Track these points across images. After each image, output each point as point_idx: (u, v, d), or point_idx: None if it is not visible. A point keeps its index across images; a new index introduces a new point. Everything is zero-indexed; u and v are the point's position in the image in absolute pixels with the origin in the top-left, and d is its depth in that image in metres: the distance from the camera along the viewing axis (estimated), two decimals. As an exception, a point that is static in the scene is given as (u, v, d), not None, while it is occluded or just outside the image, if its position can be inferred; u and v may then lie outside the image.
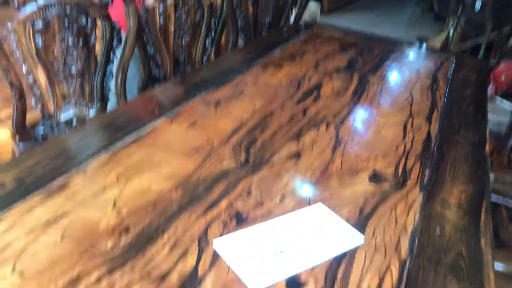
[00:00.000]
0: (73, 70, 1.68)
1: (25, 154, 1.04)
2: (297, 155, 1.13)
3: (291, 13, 2.70)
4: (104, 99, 1.79)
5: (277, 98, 1.45)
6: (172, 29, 2.06)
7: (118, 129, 1.15)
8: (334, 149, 1.17)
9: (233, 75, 1.61)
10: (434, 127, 1.37)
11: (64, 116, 1.73)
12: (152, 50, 2.06)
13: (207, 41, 2.19)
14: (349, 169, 1.09)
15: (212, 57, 2.25)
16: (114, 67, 1.75)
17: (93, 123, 1.18)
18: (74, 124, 1.74)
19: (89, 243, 0.77)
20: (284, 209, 0.91)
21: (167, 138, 1.14)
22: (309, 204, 0.94)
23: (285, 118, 1.32)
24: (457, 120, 1.45)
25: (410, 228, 0.90)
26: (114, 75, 1.77)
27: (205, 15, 2.12)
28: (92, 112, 1.77)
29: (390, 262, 0.80)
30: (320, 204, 0.93)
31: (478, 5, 2.98)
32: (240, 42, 2.69)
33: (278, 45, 2.00)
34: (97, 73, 1.73)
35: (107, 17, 1.65)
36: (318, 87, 1.58)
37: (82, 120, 1.75)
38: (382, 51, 2.06)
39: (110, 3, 1.62)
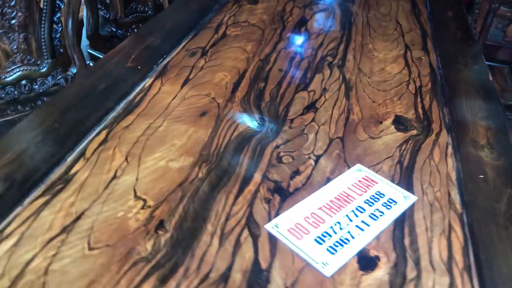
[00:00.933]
0: (14, 22, 1.41)
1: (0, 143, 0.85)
2: (312, 106, 1.02)
3: None
4: (55, 54, 1.54)
5: (265, 40, 1.30)
6: (118, -38, 1.78)
7: (103, 97, 0.97)
8: (347, 94, 1.08)
9: (206, 16, 1.42)
10: (433, 58, 1.31)
11: (9, 77, 1.48)
12: (98, -11, 1.79)
13: (158, -25, 1.93)
14: (370, 117, 1.01)
15: (165, -8, 2.00)
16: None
17: (70, 92, 0.98)
18: (24, 86, 1.50)
19: (124, 248, 0.64)
20: (323, 175, 0.82)
21: (164, 102, 0.98)
22: (346, 163, 0.86)
23: (282, 63, 1.19)
24: (451, 47, 1.39)
25: (454, 177, 0.85)
26: (63, 24, 1.52)
27: None
28: (42, 70, 1.53)
29: (450, 219, 0.75)
30: (359, 165, 0.85)
31: None
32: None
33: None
34: (42, 23, 1.47)
35: (46, -46, 1.37)
36: (303, 22, 1.44)
37: (32, 80, 1.51)
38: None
39: None
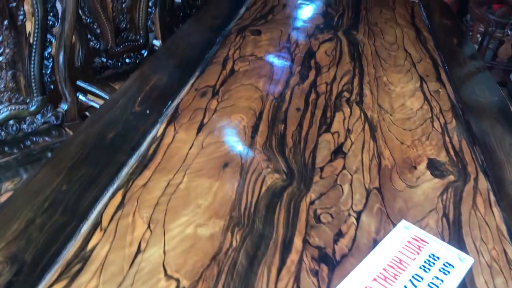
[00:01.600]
0: (1, 59, 1.30)
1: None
2: (340, 151, 0.95)
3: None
4: (45, 91, 1.43)
5: (276, 75, 1.23)
6: (109, -9, 1.68)
7: (114, 148, 0.88)
8: (373, 135, 1.01)
9: (211, 49, 1.34)
10: (450, 90, 1.26)
11: (-4, 118, 1.36)
12: (88, 19, 1.69)
13: (150, 2, 1.84)
14: (403, 161, 0.94)
15: (157, 19, 1.91)
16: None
17: (76, 143, 0.87)
18: (12, 127, 1.38)
19: None
20: (368, 236, 0.75)
21: (181, 152, 0.89)
22: (390, 219, 0.78)
23: (299, 101, 1.11)
24: (464, 77, 1.36)
25: (504, 231, 0.79)
26: (54, 59, 1.41)
27: (146, -29, 1.76)
28: (32, 108, 1.42)
29: (512, 283, 0.69)
30: (404, 222, 0.77)
31: None
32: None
33: (242, 3, 1.73)
34: (32, 59, 1.36)
35: (37, -14, 1.26)
36: (312, 54, 1.38)
37: (20, 120, 1.40)
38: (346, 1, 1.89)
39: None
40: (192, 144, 0.91)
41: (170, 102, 1.05)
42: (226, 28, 1.49)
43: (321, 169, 0.89)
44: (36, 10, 1.29)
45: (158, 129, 0.95)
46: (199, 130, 0.96)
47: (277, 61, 1.31)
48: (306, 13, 1.71)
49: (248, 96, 1.11)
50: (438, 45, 1.54)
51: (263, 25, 1.55)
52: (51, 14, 1.32)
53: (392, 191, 0.85)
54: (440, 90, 1.25)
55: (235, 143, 0.94)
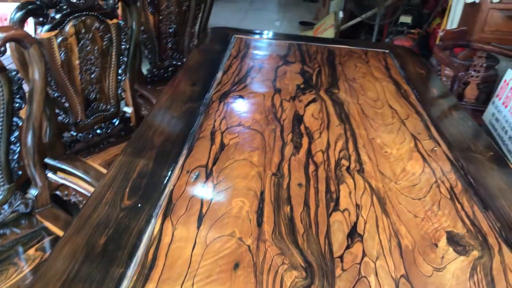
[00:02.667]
0: (-38, 150, 1.17)
1: None
2: (355, 233, 0.88)
3: (197, 19, 2.36)
4: (12, 178, 1.30)
5: (269, 146, 1.16)
6: (76, 63, 1.59)
7: (108, 258, 0.76)
8: (384, 210, 0.95)
9: (195, 122, 1.26)
10: (445, 147, 1.23)
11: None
12: (55, 93, 1.58)
13: (119, 70, 1.76)
14: (422, 238, 0.88)
15: (128, 86, 1.83)
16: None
17: (63, 254, 0.75)
18: (-24, 223, 1.24)
19: None
20: (410, 338, 0.66)
21: (184, 255, 0.79)
22: (427, 315, 0.71)
23: (298, 175, 1.05)
24: (455, 131, 1.34)
25: (547, 314, 0.73)
26: (21, 142, 1.29)
27: (114, 40, 1.69)
28: (-3, 199, 1.28)
29: None
30: (445, 314, 0.70)
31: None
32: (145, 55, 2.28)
33: (217, 67, 1.68)
34: (-3, 146, 1.24)
35: (0, 70, 1.16)
36: (300, 118, 1.33)
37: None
38: (321, 56, 1.88)
39: (3, 53, 1.15)
40: (195, 242, 0.82)
41: (162, 190, 0.95)
42: (207, 95, 1.42)
43: (341, 258, 0.81)
44: (1, 94, 1.18)
45: (154, 225, 0.85)
46: (199, 223, 0.87)
47: (267, 130, 1.24)
48: (283, 72, 1.67)
49: (244, 174, 1.03)
50: (420, 98, 1.54)
51: (244, 89, 1.49)
52: (17, 96, 1.21)
53: (420, 277, 0.78)
54: (435, 148, 1.22)
55: (242, 235, 0.85)
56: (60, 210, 1.42)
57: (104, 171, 1.60)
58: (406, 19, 3.61)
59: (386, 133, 1.28)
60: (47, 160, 1.64)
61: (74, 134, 1.68)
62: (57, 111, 1.61)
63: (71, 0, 1.50)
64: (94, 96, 1.71)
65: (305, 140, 1.21)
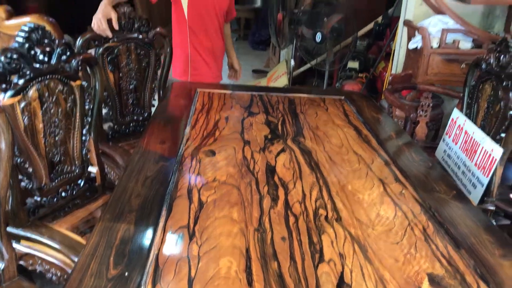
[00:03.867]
0: None
1: None
2: (343, 283, 0.90)
3: (157, 74, 2.39)
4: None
5: (247, 200, 1.18)
6: (40, 126, 1.57)
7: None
8: (367, 257, 0.98)
9: (170, 181, 1.27)
10: (411, 189, 1.30)
11: None
12: (18, 158, 1.54)
13: (84, 130, 1.74)
14: (406, 283, 0.92)
15: (92, 145, 1.80)
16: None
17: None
18: None
19: None
20: None
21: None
22: None
23: (280, 229, 1.07)
24: (418, 172, 1.42)
25: None
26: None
27: (78, 100, 1.68)
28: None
29: None
30: None
31: (319, 37, 3.15)
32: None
33: (184, 122, 1.70)
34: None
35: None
36: (272, 169, 1.36)
37: None
38: (283, 105, 1.96)
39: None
40: (189, 308, 0.81)
41: (147, 255, 0.94)
42: (178, 152, 1.44)
43: (334, 311, 0.83)
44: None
45: (144, 296, 0.83)
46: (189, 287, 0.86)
47: (242, 183, 1.26)
48: (249, 124, 1.72)
49: (227, 231, 1.04)
50: (381, 142, 1.62)
51: (214, 143, 1.52)
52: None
53: (411, 322, 0.81)
54: (403, 192, 1.29)
55: (234, 296, 0.85)
56: (28, 282, 1.35)
57: (72, 235, 1.55)
58: (353, 64, 3.83)
59: (355, 179, 1.34)
60: (9, 229, 1.56)
61: (38, 199, 1.63)
62: (20, 177, 1.56)
63: (34, 65, 1.50)
64: (58, 158, 1.67)
65: (281, 192, 1.24)
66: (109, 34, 2.01)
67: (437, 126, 2.90)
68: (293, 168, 1.38)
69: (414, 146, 1.65)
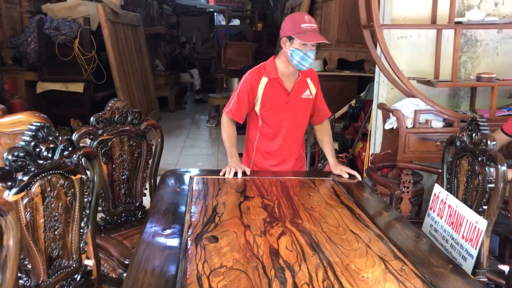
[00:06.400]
0: None
1: None
2: None
3: (148, 164, 2.46)
4: None
5: (255, 284, 1.21)
6: (41, 221, 1.58)
7: None
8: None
9: (178, 270, 1.29)
10: (411, 265, 1.35)
11: None
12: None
13: (82, 223, 1.76)
14: None
15: (89, 238, 1.80)
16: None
17: None
18: None
19: None
20: None
21: None
22: None
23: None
24: (416, 250, 1.48)
25: None
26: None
27: (77, 194, 1.72)
28: None
29: None
30: None
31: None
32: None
33: (182, 209, 1.74)
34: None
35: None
36: (276, 253, 1.40)
37: None
38: (276, 188, 2.03)
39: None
40: None
41: None
42: (182, 240, 1.46)
43: None
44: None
45: None
46: None
47: (249, 268, 1.29)
48: (247, 208, 1.78)
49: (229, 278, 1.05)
50: (374, 221, 1.69)
51: (215, 229, 1.56)
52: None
53: None
54: (403, 268, 1.34)
55: None
56: None
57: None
58: (334, 145, 4.01)
59: (357, 258, 1.39)
60: (5, 331, 1.51)
61: (35, 296, 1.59)
62: (19, 274, 1.53)
63: (39, 161, 1.55)
64: (56, 253, 1.66)
65: (288, 274, 1.27)
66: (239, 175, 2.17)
67: (419, 201, 3.01)
68: (296, 250, 1.42)
69: (404, 221, 1.72)
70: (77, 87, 5.59)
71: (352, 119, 4.36)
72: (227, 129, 2.36)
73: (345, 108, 4.47)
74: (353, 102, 4.38)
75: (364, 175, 3.21)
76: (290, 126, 2.32)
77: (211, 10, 16.02)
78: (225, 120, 2.38)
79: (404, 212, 2.75)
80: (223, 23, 14.06)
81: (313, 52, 2.15)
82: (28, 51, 5.45)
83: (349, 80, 4.69)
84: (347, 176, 2.25)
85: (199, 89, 10.37)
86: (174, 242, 1.45)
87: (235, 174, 2.16)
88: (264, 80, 2.27)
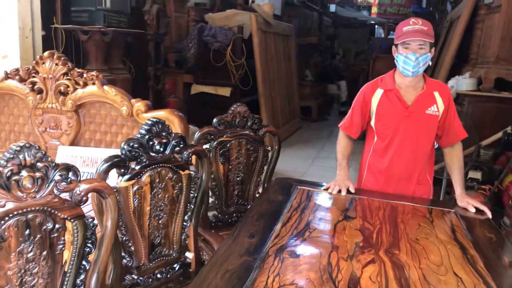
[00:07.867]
0: (33, 290, 1.25)
1: None
2: None
3: (263, 169, 2.51)
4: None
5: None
6: (147, 209, 1.73)
7: None
8: None
9: (248, 278, 1.27)
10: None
11: None
12: (124, 237, 1.69)
13: (186, 216, 1.86)
14: None
15: (192, 231, 1.90)
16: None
17: None
18: None
19: None
20: None
21: None
22: None
23: None
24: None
25: None
26: (85, 285, 1.36)
27: (184, 188, 1.83)
28: None
29: None
30: None
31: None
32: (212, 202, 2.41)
33: (277, 218, 1.73)
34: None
35: (79, 217, 1.29)
36: (355, 281, 1.29)
37: None
38: (383, 212, 1.88)
39: (83, 202, 1.29)
40: None
41: None
42: (263, 249, 1.45)
43: None
44: (76, 238, 1.29)
45: None
46: None
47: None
48: (342, 228, 1.68)
49: None
50: (489, 267, 1.44)
51: (301, 245, 1.51)
52: (89, 241, 1.32)
53: None
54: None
55: None
56: None
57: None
58: (475, 174, 3.55)
59: (450, 306, 1.20)
60: (106, 302, 1.68)
61: (136, 277, 1.74)
62: (122, 254, 1.70)
63: (151, 154, 1.69)
64: (159, 241, 1.80)
65: (360, 308, 1.16)
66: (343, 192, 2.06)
67: None
68: (379, 283, 1.29)
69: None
70: (225, 91, 6.00)
71: (505, 147, 3.81)
72: (341, 143, 2.27)
73: (498, 135, 3.93)
74: (509, 129, 3.82)
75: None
76: (406, 143, 2.11)
77: (372, 22, 15.71)
78: (340, 134, 2.29)
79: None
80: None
81: (415, 54, 1.94)
82: (188, 55, 6.05)
83: (506, 103, 4.10)
84: (473, 210, 1.97)
85: (345, 101, 10.23)
86: (255, 249, 1.44)
87: (339, 191, 2.06)
88: (378, 92, 2.13)
